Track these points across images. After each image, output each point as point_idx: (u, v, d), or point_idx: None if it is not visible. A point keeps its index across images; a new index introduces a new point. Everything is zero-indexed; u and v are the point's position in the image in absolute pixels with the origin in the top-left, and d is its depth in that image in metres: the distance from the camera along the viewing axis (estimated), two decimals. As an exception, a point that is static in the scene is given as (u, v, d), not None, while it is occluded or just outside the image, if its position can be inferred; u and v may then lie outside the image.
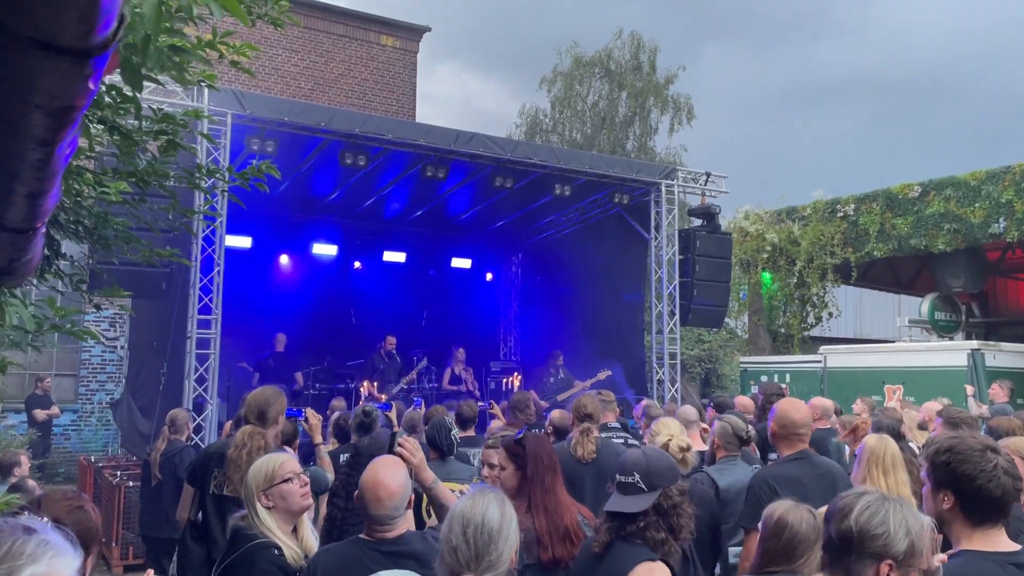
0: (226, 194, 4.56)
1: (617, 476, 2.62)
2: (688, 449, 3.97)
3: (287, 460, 2.95)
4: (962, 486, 2.17)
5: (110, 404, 12.83)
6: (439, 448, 4.44)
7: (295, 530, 2.91)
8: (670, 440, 3.98)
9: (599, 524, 2.65)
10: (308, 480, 2.98)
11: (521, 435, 3.31)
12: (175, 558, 4.43)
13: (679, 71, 26.54)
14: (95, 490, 8.75)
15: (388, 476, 2.57)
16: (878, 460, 3.48)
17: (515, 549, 2.01)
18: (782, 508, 2.53)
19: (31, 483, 6.46)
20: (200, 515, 4.20)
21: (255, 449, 3.81)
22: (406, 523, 2.62)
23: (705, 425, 5.15)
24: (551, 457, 3.26)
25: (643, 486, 2.54)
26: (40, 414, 11.46)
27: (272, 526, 2.79)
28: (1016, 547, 2.21)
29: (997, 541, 2.19)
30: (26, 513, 1.93)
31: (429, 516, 4.30)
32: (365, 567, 2.44)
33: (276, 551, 2.73)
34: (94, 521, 2.00)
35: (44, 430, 11.56)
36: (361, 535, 2.58)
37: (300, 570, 2.73)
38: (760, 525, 2.60)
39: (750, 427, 4.60)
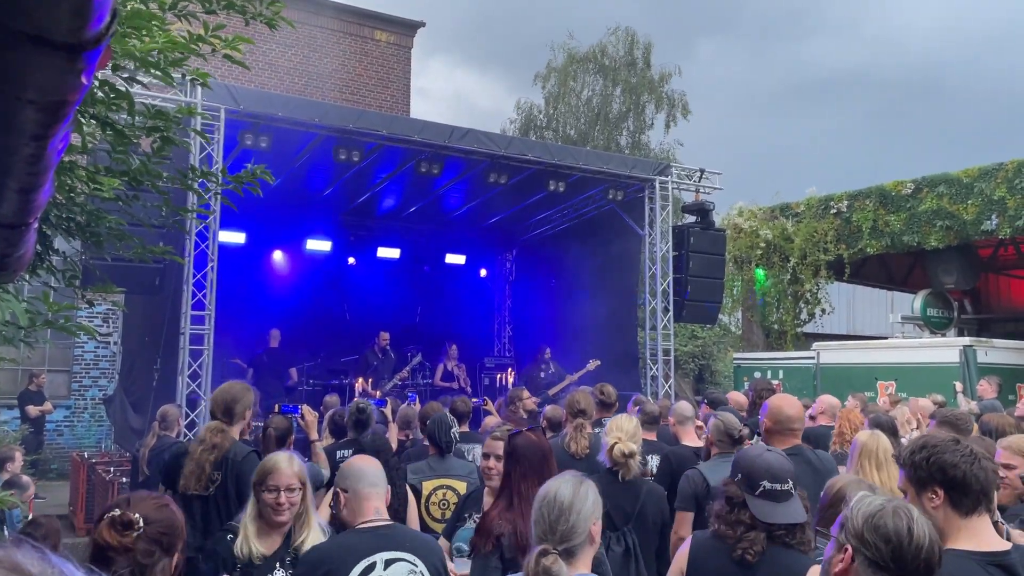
0: (219, 195, 4.55)
1: (764, 483, 2.52)
2: (632, 456, 3.69)
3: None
4: (948, 475, 2.16)
5: (103, 400, 12.81)
6: (438, 444, 4.44)
7: (291, 534, 2.89)
8: (616, 443, 3.71)
9: (741, 532, 2.50)
10: (295, 501, 2.89)
11: (517, 433, 3.18)
12: None
13: (674, 71, 26.50)
14: (88, 486, 8.73)
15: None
16: (870, 455, 3.50)
17: (594, 523, 2.16)
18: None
19: (24, 479, 6.46)
20: None
21: (210, 447, 3.82)
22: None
23: (700, 422, 5.15)
24: (543, 462, 3.03)
25: (793, 491, 2.55)
26: (33, 410, 11.42)
27: (248, 518, 2.89)
28: (1005, 545, 2.18)
29: (984, 538, 2.16)
30: (116, 511, 1.94)
31: (429, 515, 4.31)
32: (365, 548, 2.53)
33: (229, 537, 2.86)
34: (179, 519, 2.06)
35: (37, 426, 11.51)
36: (356, 526, 2.64)
37: (244, 566, 2.79)
38: (821, 495, 2.79)
39: (743, 427, 4.58)
